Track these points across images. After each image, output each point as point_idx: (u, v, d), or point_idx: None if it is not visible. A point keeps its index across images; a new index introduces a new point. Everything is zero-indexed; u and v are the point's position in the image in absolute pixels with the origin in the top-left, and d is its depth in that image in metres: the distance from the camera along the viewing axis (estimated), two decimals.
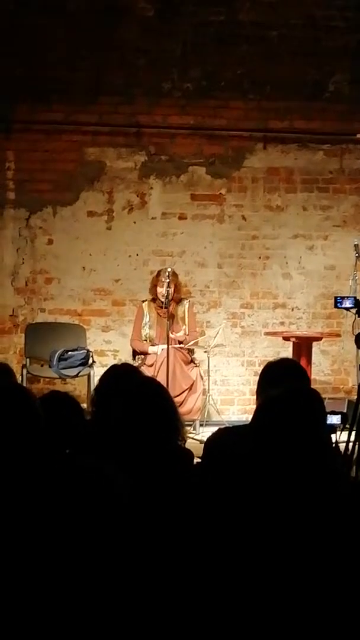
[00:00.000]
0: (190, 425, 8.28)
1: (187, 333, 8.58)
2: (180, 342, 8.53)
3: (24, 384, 8.31)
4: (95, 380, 7.40)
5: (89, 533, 1.83)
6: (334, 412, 5.12)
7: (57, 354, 8.55)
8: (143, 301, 8.73)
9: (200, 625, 2.33)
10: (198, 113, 9.27)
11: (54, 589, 1.80)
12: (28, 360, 8.81)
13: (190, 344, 8.54)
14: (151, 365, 8.32)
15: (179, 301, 8.62)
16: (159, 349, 8.38)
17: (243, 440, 2.77)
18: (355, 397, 6.96)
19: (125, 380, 3.85)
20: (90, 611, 1.83)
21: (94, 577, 1.85)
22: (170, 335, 8.27)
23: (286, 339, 8.71)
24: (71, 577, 1.81)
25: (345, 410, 6.64)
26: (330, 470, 2.87)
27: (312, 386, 4.38)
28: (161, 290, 8.43)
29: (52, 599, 1.81)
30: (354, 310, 7.32)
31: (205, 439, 3.05)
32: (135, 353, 8.69)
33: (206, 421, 8.63)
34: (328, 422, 4.62)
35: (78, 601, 1.83)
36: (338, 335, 9.22)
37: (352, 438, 5.98)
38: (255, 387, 4.27)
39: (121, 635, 1.95)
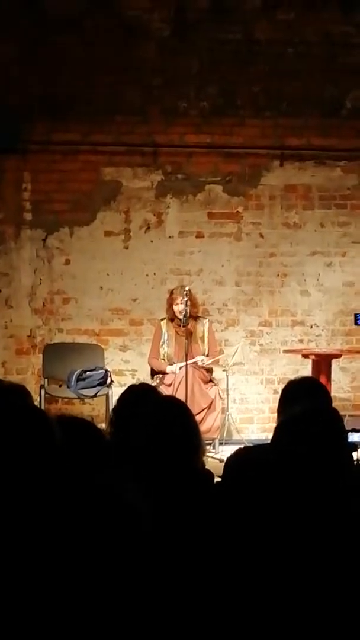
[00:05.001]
0: (209, 444, 8.24)
1: (206, 354, 8.52)
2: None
3: (42, 405, 8.30)
4: (113, 400, 7.36)
5: (108, 556, 1.79)
6: (354, 430, 5.07)
7: (75, 374, 8.53)
8: (162, 319, 8.68)
9: None
10: (214, 131, 9.26)
11: (71, 615, 1.77)
12: (46, 380, 8.80)
13: (209, 362, 8.49)
14: (169, 385, 8.27)
15: (196, 318, 8.57)
16: (177, 367, 8.33)
17: (264, 459, 2.74)
18: None
19: (144, 401, 3.80)
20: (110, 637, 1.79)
21: (113, 601, 1.81)
22: (190, 359, 8.21)
23: (305, 356, 8.67)
24: (88, 601, 1.78)
25: None
26: (352, 489, 2.84)
27: (333, 404, 4.34)
28: (178, 309, 8.39)
29: (69, 627, 1.78)
30: None
31: (225, 458, 3.01)
32: (153, 372, 8.65)
33: (225, 440, 8.58)
34: (349, 440, 4.57)
35: (96, 627, 1.80)
36: (358, 352, 9.17)
37: None
38: (274, 405, 4.25)
39: None
